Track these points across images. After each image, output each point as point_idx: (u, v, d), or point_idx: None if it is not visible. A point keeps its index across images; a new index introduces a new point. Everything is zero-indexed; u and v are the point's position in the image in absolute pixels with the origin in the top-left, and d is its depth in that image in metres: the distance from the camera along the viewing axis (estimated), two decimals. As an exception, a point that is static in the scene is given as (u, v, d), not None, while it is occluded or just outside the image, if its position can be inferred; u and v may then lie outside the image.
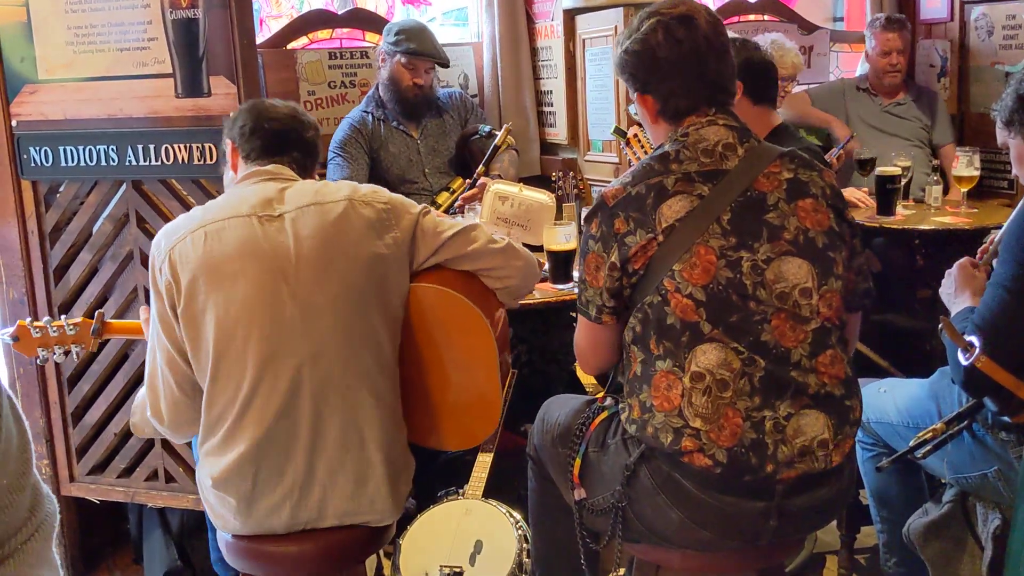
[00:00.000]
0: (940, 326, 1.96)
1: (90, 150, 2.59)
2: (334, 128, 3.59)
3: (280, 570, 1.96)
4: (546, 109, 4.22)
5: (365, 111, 3.55)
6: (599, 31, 3.79)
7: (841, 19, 5.23)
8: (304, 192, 1.92)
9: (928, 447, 2.09)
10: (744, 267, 1.72)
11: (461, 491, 2.55)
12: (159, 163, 2.53)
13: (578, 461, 1.90)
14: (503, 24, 4.04)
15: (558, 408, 2.06)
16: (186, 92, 2.48)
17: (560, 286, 2.66)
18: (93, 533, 2.98)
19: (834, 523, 2.64)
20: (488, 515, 2.45)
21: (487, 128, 3.57)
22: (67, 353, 2.21)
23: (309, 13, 4.16)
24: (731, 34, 1.99)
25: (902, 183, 3.63)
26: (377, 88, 3.57)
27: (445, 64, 3.58)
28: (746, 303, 1.71)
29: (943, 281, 2.21)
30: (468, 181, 3.40)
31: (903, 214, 3.57)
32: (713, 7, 4.60)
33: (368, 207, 1.93)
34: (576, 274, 2.61)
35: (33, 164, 2.65)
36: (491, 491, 2.56)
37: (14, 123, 2.64)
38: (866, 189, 3.78)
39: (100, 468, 2.80)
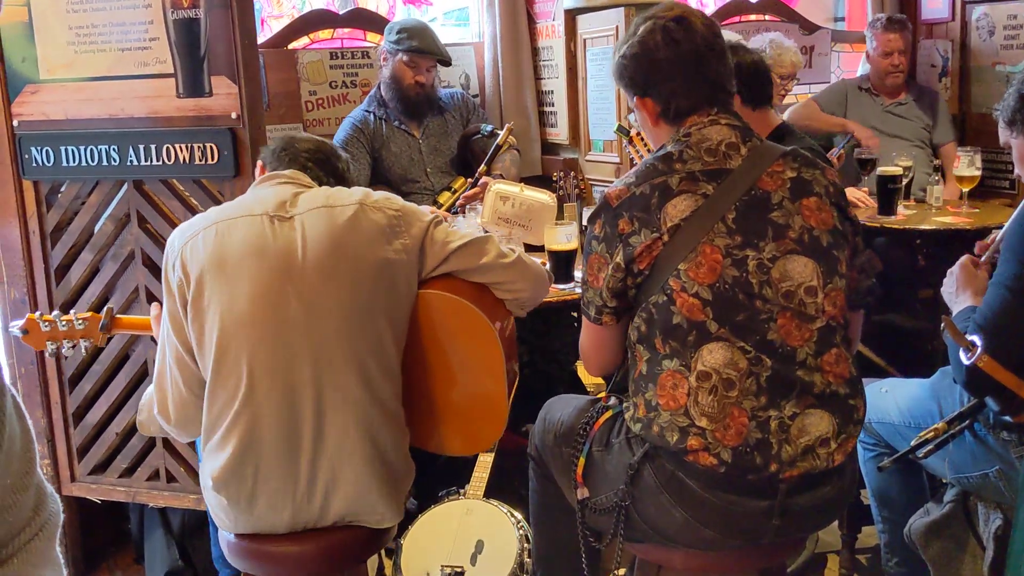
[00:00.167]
0: (942, 325, 1.96)
1: (91, 150, 2.59)
2: (335, 128, 3.59)
3: (281, 570, 1.96)
4: (547, 109, 4.22)
5: (367, 110, 3.56)
6: (600, 31, 3.79)
7: (842, 19, 5.23)
8: (316, 196, 1.94)
9: (929, 447, 2.09)
10: (750, 266, 1.72)
11: (462, 491, 2.55)
12: (160, 163, 2.53)
13: (582, 460, 1.90)
14: (504, 24, 4.04)
15: (560, 408, 2.07)
16: (187, 92, 2.48)
17: (561, 286, 2.66)
18: (94, 533, 2.98)
19: (835, 523, 2.63)
20: (489, 515, 2.45)
21: (489, 127, 3.57)
22: (74, 347, 2.22)
23: (310, 13, 4.16)
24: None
25: (903, 183, 3.63)
26: (379, 88, 3.58)
27: (447, 62, 3.58)
28: (752, 302, 1.71)
29: (944, 280, 2.21)
30: (470, 180, 3.40)
31: (904, 214, 3.57)
32: (714, 7, 4.61)
33: (379, 212, 1.93)
34: (578, 274, 2.62)
35: (34, 164, 2.65)
36: (492, 491, 2.56)
37: (15, 123, 2.64)
38: (866, 189, 3.78)
39: (101, 468, 2.80)
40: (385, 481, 1.91)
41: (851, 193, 3.65)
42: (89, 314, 2.21)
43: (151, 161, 2.54)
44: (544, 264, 2.53)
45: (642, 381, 1.77)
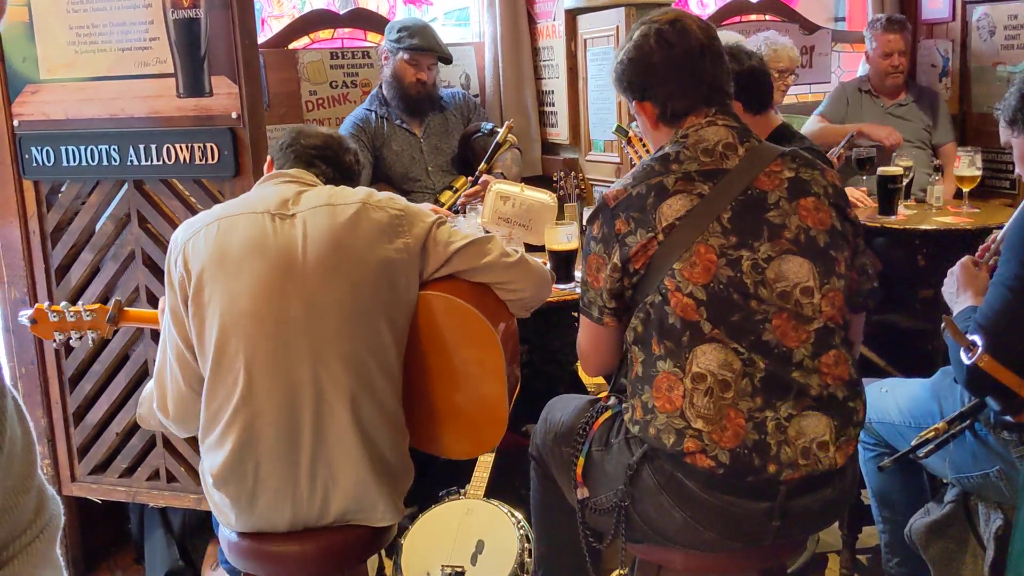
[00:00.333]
0: (943, 325, 1.96)
1: (92, 150, 2.59)
2: (335, 128, 3.59)
3: (282, 570, 1.96)
4: (547, 109, 4.21)
5: (368, 109, 3.56)
6: (601, 31, 3.79)
7: (843, 19, 5.23)
8: (319, 194, 1.94)
9: (930, 447, 2.09)
10: (744, 266, 1.72)
11: (463, 491, 2.56)
12: (161, 163, 2.53)
13: (581, 460, 1.90)
14: (504, 24, 4.04)
15: (561, 408, 2.07)
16: (188, 92, 2.48)
17: (562, 286, 2.67)
18: (94, 533, 2.98)
19: (836, 523, 2.63)
20: (490, 515, 2.45)
21: (489, 125, 3.57)
22: (81, 338, 2.23)
23: (311, 13, 4.16)
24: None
25: (903, 183, 3.63)
26: (380, 87, 3.58)
27: (448, 60, 3.58)
28: (747, 302, 1.71)
29: (945, 280, 2.21)
30: (471, 179, 3.40)
31: (904, 214, 3.57)
32: (715, 7, 4.61)
33: (381, 211, 1.93)
34: (578, 274, 2.62)
35: (35, 164, 2.65)
36: (493, 491, 2.56)
37: (16, 123, 2.64)
38: (864, 189, 3.78)
39: (102, 468, 2.80)
40: (384, 480, 1.91)
41: (849, 193, 3.65)
42: (97, 306, 2.22)
43: (151, 161, 2.54)
44: (545, 264, 2.53)
45: (639, 383, 1.77)
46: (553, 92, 4.14)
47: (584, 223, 2.04)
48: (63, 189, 2.70)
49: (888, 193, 3.50)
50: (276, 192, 1.94)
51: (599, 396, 2.04)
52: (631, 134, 3.07)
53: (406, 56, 3.44)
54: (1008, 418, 1.97)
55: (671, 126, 1.86)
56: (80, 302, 2.44)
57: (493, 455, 2.63)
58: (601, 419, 1.91)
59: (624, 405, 1.85)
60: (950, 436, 2.07)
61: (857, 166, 3.80)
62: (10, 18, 2.59)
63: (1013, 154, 2.08)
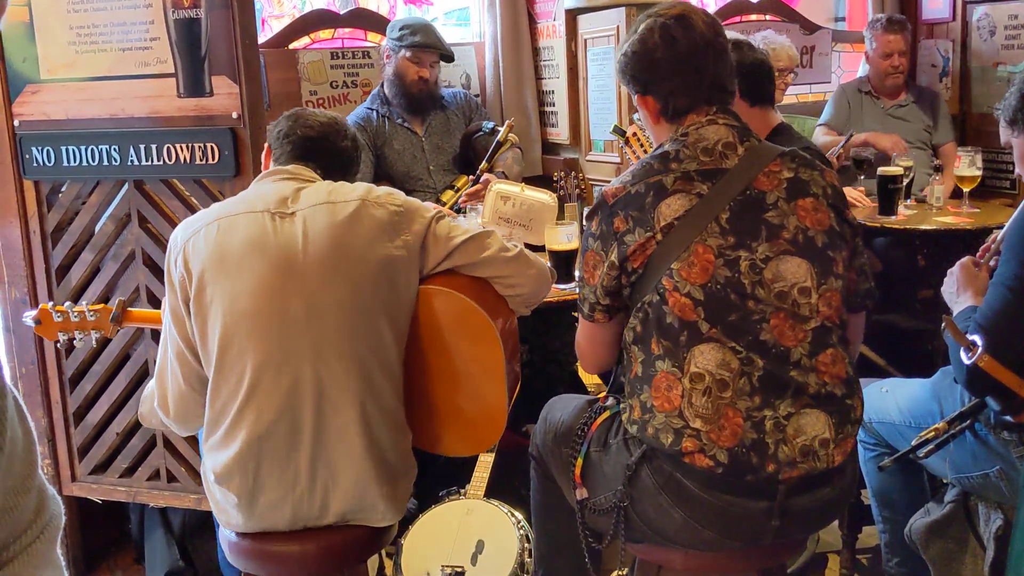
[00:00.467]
0: (943, 325, 1.96)
1: (92, 150, 2.59)
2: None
3: (282, 569, 1.96)
4: (548, 109, 4.21)
5: (370, 108, 3.56)
6: (601, 31, 3.79)
7: (843, 19, 5.22)
8: (319, 192, 1.93)
9: (930, 447, 2.09)
10: (742, 266, 1.72)
11: (463, 491, 2.56)
12: (161, 163, 2.53)
13: (580, 461, 1.90)
14: (505, 24, 4.04)
15: (560, 408, 2.07)
16: (188, 92, 2.48)
17: (562, 286, 2.67)
18: (95, 533, 2.98)
19: (836, 523, 2.63)
20: (490, 515, 2.45)
21: (490, 124, 3.57)
22: (84, 338, 2.24)
23: (311, 13, 4.16)
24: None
25: (903, 183, 3.63)
26: (382, 86, 3.58)
27: (450, 58, 3.59)
28: (745, 302, 1.71)
29: (945, 280, 2.21)
30: (472, 178, 3.40)
31: (905, 214, 3.57)
32: (715, 7, 4.60)
33: (381, 208, 1.93)
34: (577, 272, 2.62)
35: (35, 164, 2.65)
36: (493, 491, 2.56)
37: (16, 123, 2.65)
38: (862, 189, 3.78)
39: (102, 468, 2.80)
40: (384, 480, 1.91)
41: (847, 193, 3.65)
42: (100, 305, 2.23)
43: (152, 161, 2.54)
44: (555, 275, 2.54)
45: (637, 383, 1.78)
46: (553, 92, 4.14)
47: (583, 220, 2.04)
48: (63, 189, 2.70)
49: (888, 193, 3.50)
50: (275, 190, 1.94)
51: (598, 396, 2.04)
52: (628, 135, 3.07)
53: (408, 54, 3.44)
54: (1008, 418, 1.97)
55: (672, 122, 1.86)
56: (82, 302, 2.45)
57: (493, 455, 2.63)
58: (599, 420, 1.91)
59: (622, 405, 1.85)
60: (950, 436, 2.07)
61: (855, 166, 3.80)
62: (10, 18, 2.59)
63: (1013, 154, 2.08)
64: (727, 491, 1.71)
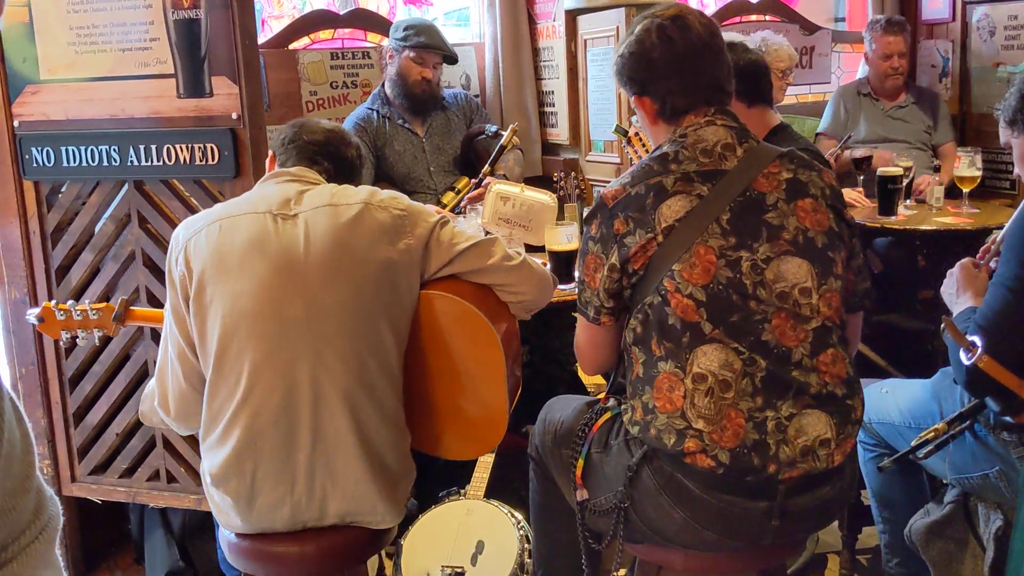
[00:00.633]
0: (942, 326, 1.96)
1: (92, 150, 2.59)
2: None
3: (282, 570, 1.96)
4: (548, 109, 4.22)
5: (370, 108, 3.56)
6: (601, 31, 3.79)
7: (843, 19, 5.23)
8: (322, 194, 1.93)
9: (930, 447, 2.09)
10: (744, 267, 1.72)
11: (463, 491, 2.56)
12: (161, 163, 2.53)
13: (580, 462, 1.90)
14: (505, 24, 4.04)
15: (560, 409, 2.07)
16: (188, 92, 2.48)
17: (562, 286, 2.66)
18: (94, 533, 2.98)
19: (836, 523, 2.64)
20: (490, 515, 2.45)
21: (494, 128, 3.57)
22: (86, 337, 2.24)
23: (311, 13, 4.16)
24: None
25: (903, 183, 3.63)
26: (383, 86, 3.58)
27: (453, 59, 3.59)
28: (746, 303, 1.71)
29: (945, 281, 2.21)
30: (474, 181, 3.40)
31: (904, 214, 3.57)
32: (715, 7, 4.60)
33: (384, 211, 1.93)
34: (577, 274, 2.62)
35: (35, 164, 2.65)
36: (493, 491, 2.56)
37: (16, 123, 2.64)
38: (860, 189, 3.78)
39: (102, 468, 2.80)
40: (383, 482, 1.91)
41: (846, 193, 3.65)
42: (103, 304, 2.23)
43: (152, 161, 2.54)
44: (545, 265, 2.53)
45: (639, 384, 1.78)
46: (553, 92, 4.15)
47: (582, 222, 2.04)
48: (63, 189, 2.70)
49: (888, 193, 3.50)
50: (278, 191, 1.94)
51: (598, 397, 2.04)
52: (631, 134, 3.07)
53: (412, 54, 3.44)
54: (1008, 419, 1.97)
55: (670, 123, 1.86)
56: (83, 301, 2.45)
57: (493, 455, 2.63)
58: (600, 421, 1.91)
59: (624, 406, 1.85)
60: (950, 437, 2.07)
61: (854, 166, 3.80)
62: (10, 18, 2.59)
63: (1013, 154, 2.08)
64: (728, 491, 1.71)
